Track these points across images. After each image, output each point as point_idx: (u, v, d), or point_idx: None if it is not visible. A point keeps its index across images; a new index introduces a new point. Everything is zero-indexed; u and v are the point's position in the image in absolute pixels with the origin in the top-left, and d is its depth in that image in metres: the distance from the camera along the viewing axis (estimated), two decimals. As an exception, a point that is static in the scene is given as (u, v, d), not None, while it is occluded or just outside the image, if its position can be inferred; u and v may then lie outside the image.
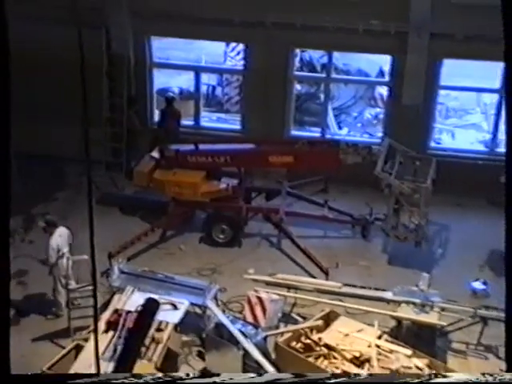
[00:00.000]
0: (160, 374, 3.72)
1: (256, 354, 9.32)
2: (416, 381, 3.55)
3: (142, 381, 3.88)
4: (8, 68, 3.48)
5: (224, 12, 14.49)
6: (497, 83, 14.91)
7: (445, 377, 3.55)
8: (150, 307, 9.75)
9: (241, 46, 16.43)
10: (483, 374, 3.82)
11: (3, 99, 3.48)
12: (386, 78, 15.88)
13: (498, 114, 15.33)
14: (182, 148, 13.41)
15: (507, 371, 3.64)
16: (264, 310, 10.45)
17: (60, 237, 10.91)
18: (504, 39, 2.95)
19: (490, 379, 3.65)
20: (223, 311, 10.48)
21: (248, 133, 15.71)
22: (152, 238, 13.13)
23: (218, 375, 3.65)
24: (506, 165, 3.14)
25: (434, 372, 8.44)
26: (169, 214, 13.40)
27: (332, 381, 3.45)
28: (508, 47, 3.00)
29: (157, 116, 16.12)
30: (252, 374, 5.97)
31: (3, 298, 3.58)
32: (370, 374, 8.02)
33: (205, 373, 9.62)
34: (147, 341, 9.41)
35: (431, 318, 10.07)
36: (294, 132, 16.00)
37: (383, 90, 16.83)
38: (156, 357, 9.31)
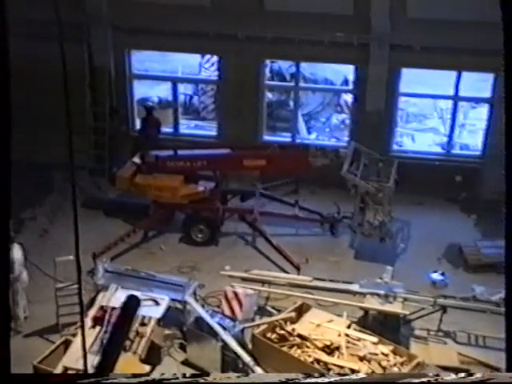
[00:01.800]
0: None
1: (234, 345, 9.34)
2: (417, 381, 3.51)
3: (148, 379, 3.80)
4: (9, 73, 3.45)
5: (199, 26, 14.48)
6: (451, 90, 15.05)
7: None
8: (131, 304, 9.71)
9: (215, 58, 16.43)
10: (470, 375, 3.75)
11: (4, 103, 3.44)
12: (351, 86, 15.96)
13: (453, 119, 15.50)
14: (162, 154, 13.37)
15: (507, 371, 3.62)
16: (240, 303, 10.46)
17: (20, 250, 10.57)
18: (503, 49, 2.96)
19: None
20: (202, 306, 10.47)
21: (223, 138, 15.70)
22: (134, 238, 13.07)
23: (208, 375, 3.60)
24: (506, 164, 3.15)
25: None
26: (150, 215, 13.35)
27: (329, 380, 3.41)
28: (507, 55, 3.00)
29: (138, 124, 16.07)
30: (237, 374, 5.92)
31: (3, 298, 3.54)
32: (369, 373, 7.98)
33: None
34: (132, 335, 9.39)
35: (395, 307, 10.14)
36: (267, 137, 16.01)
37: (348, 97, 16.92)
38: (140, 349, 9.31)
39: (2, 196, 3.53)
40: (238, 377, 3.63)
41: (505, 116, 3.05)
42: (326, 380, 3.42)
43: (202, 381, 3.56)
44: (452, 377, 3.55)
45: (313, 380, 3.37)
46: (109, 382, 3.60)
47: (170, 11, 14.56)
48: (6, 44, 3.35)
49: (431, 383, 3.51)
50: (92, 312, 9.79)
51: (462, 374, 3.65)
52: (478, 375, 3.51)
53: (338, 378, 3.49)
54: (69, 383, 3.72)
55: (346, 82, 16.97)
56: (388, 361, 8.98)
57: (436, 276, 12.08)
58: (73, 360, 8.74)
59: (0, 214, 3.60)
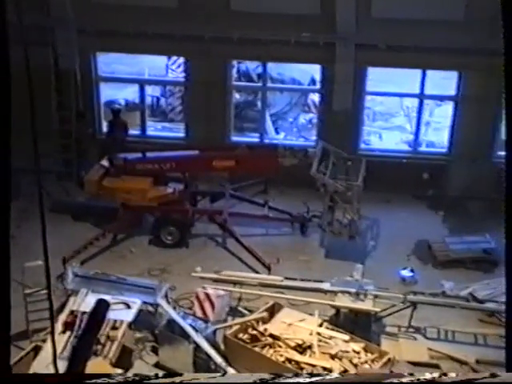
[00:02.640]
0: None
1: (206, 347, 9.31)
2: (405, 380, 3.50)
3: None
4: (9, 73, 3.38)
5: (165, 27, 14.43)
6: (417, 88, 15.21)
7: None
8: (100, 308, 9.65)
9: (182, 59, 16.38)
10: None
11: (3, 104, 3.37)
12: (318, 86, 16.03)
13: (419, 117, 15.67)
14: (130, 156, 13.30)
15: (507, 371, 3.62)
16: (212, 305, 10.43)
17: None
18: (504, 49, 2.96)
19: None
20: (174, 308, 10.41)
21: (192, 140, 15.66)
22: (104, 242, 12.96)
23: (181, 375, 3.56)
24: (505, 165, 3.15)
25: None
26: (119, 218, 13.26)
27: (310, 380, 3.38)
28: (508, 57, 3.00)
29: (105, 127, 15.95)
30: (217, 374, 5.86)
31: (3, 299, 3.48)
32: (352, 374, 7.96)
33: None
34: (103, 339, 9.31)
35: (366, 305, 10.20)
36: (235, 138, 16.01)
37: (315, 97, 17.01)
38: (111, 354, 9.22)
39: (1, 196, 3.48)
40: (211, 377, 3.60)
41: (505, 116, 3.07)
42: (308, 380, 3.41)
43: (178, 381, 3.53)
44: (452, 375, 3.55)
45: (289, 380, 3.37)
46: (115, 382, 3.56)
47: (137, 13, 14.49)
48: (5, 44, 3.30)
49: (434, 382, 3.50)
50: (62, 317, 9.68)
51: (453, 374, 3.65)
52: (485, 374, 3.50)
53: (318, 378, 3.48)
54: (74, 383, 3.67)
55: (313, 81, 17.06)
56: (359, 358, 9.04)
57: (405, 273, 12.19)
58: (43, 366, 8.63)
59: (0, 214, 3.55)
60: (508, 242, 3.14)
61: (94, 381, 3.32)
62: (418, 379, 3.53)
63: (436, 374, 3.67)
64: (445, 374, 3.67)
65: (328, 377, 3.83)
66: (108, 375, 3.62)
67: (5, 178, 3.36)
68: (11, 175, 3.65)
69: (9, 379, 3.63)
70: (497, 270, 12.48)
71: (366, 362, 8.99)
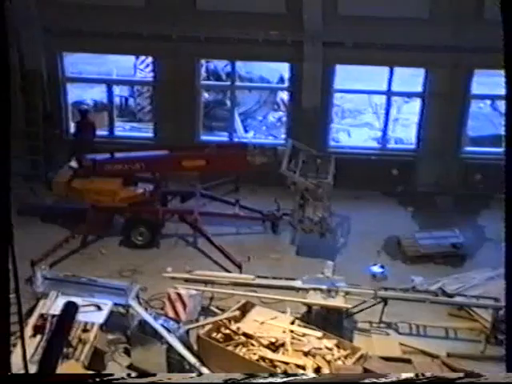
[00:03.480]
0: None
1: (179, 347, 9.28)
2: (382, 381, 3.50)
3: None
4: (9, 75, 3.32)
5: (133, 27, 14.35)
6: (384, 85, 15.34)
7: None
8: (69, 310, 9.57)
9: (150, 59, 16.29)
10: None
11: (3, 105, 3.31)
12: (286, 84, 16.08)
13: (387, 114, 15.80)
14: (99, 157, 13.19)
15: (507, 371, 3.63)
16: (184, 305, 10.40)
17: None
18: (504, 46, 2.98)
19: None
20: (145, 309, 10.36)
21: (161, 140, 15.58)
22: (73, 244, 12.84)
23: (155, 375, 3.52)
24: (506, 164, 3.17)
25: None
26: (88, 220, 13.15)
27: (282, 380, 3.37)
28: (507, 54, 3.01)
29: (73, 128, 15.80)
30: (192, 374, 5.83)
31: (3, 299, 3.42)
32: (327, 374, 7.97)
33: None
34: (74, 341, 9.23)
35: (337, 301, 10.25)
36: (204, 137, 15.98)
37: (284, 95, 17.06)
38: (83, 356, 9.15)
39: (2, 197, 3.41)
40: (187, 377, 3.58)
41: (505, 115, 3.10)
42: (280, 380, 3.40)
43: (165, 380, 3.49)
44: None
45: (262, 380, 3.36)
46: (121, 380, 3.52)
47: (103, 12, 14.38)
48: (5, 45, 3.24)
49: (432, 382, 3.51)
50: (32, 321, 9.58)
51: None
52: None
53: (291, 378, 3.47)
54: (80, 383, 3.61)
55: (281, 79, 17.11)
56: (332, 355, 9.08)
57: (376, 269, 12.29)
58: (13, 370, 8.52)
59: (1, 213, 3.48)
60: (508, 242, 3.15)
61: (107, 378, 3.29)
62: (398, 378, 3.55)
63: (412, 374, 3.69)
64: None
65: (304, 376, 3.83)
66: (109, 375, 3.58)
67: (5, 178, 3.32)
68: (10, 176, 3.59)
69: (9, 379, 3.58)
70: (465, 264, 12.65)
71: (338, 358, 9.04)
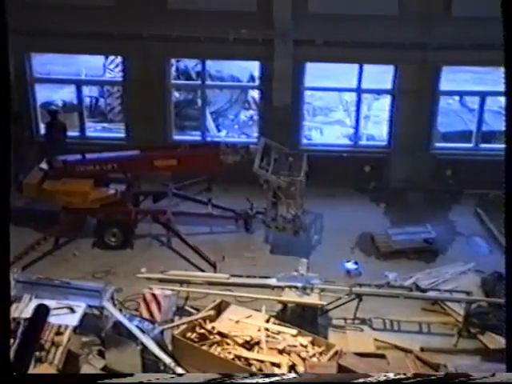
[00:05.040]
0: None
1: (154, 348, 9.25)
2: (361, 381, 3.51)
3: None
4: (8, 78, 3.28)
5: (102, 26, 14.24)
6: (354, 83, 15.43)
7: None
8: (40, 313, 9.49)
9: (119, 59, 16.20)
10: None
11: (3, 108, 3.26)
12: (257, 83, 16.08)
13: (358, 111, 15.90)
14: (70, 158, 13.09)
15: (507, 371, 3.65)
16: (159, 305, 10.37)
17: None
18: (504, 44, 3.01)
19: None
20: (120, 310, 10.31)
21: (132, 140, 15.51)
22: (46, 246, 12.74)
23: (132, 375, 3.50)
24: (506, 164, 3.19)
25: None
26: (60, 222, 13.04)
27: (270, 380, 3.36)
28: (508, 51, 3.04)
29: (43, 129, 15.65)
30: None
31: (3, 299, 3.38)
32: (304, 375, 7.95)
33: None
34: (47, 345, 9.15)
35: (312, 299, 10.29)
36: (176, 137, 15.94)
37: (255, 94, 17.07)
38: (57, 359, 9.07)
39: (2, 200, 3.37)
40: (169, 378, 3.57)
41: (505, 114, 3.13)
42: (267, 380, 3.40)
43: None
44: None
45: (241, 381, 3.37)
46: (129, 382, 3.50)
47: (72, 12, 14.25)
48: (5, 45, 3.21)
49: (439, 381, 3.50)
50: (4, 325, 9.47)
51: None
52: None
53: (278, 378, 3.48)
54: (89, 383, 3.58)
55: (252, 78, 17.12)
56: (307, 352, 9.12)
57: (350, 265, 12.36)
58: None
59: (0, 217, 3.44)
60: (508, 241, 3.19)
61: (106, 381, 3.28)
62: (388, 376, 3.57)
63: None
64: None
65: (285, 377, 3.86)
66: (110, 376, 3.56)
67: (5, 179, 3.29)
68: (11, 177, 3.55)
69: (10, 379, 3.55)
70: (438, 259, 12.79)
71: (313, 355, 9.08)
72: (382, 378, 3.54)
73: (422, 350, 9.88)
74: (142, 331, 9.46)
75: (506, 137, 3.16)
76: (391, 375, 3.68)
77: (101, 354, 9.94)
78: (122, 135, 16.11)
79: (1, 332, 3.56)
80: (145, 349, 9.31)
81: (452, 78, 15.74)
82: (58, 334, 9.44)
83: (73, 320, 9.75)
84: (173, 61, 16.12)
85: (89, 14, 14.28)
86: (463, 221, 14.19)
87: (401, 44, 14.26)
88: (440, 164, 15.50)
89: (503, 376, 3.59)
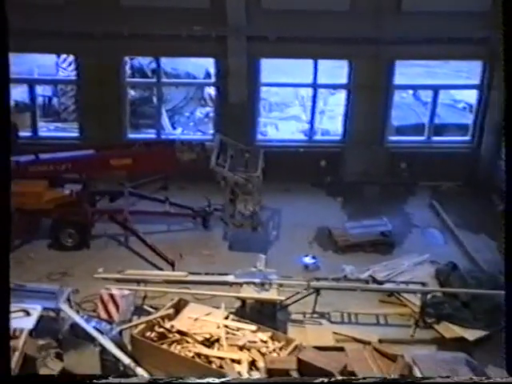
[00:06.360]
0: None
1: (112, 349, 9.14)
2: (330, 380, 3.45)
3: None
4: (8, 78, 3.14)
5: (53, 24, 13.99)
6: (310, 78, 15.48)
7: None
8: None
9: (72, 57, 15.94)
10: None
11: (3, 108, 3.12)
12: (213, 79, 16.01)
13: (313, 106, 15.96)
14: (22, 159, 12.81)
15: (507, 371, 3.61)
16: (117, 305, 10.26)
17: None
18: (503, 41, 2.98)
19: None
20: (77, 312, 10.16)
21: (87, 139, 15.28)
22: (-1, 249, 12.47)
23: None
24: (506, 164, 3.16)
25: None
26: (14, 224, 12.73)
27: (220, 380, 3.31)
28: (507, 49, 3.01)
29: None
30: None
31: (3, 300, 3.24)
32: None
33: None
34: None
35: (271, 294, 10.31)
36: (131, 135, 15.77)
37: (211, 90, 17.00)
38: (13, 364, 8.88)
39: (2, 200, 3.24)
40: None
41: (504, 114, 3.11)
42: (218, 380, 3.35)
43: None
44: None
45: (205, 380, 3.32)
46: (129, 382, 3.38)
47: (22, 10, 13.94)
48: (5, 45, 3.07)
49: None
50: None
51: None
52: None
53: (224, 380, 3.43)
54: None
55: (207, 75, 17.04)
56: (267, 347, 9.12)
57: (308, 260, 12.42)
58: None
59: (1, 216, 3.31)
60: (508, 241, 3.17)
61: (103, 381, 3.17)
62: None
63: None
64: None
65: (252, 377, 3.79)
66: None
67: (5, 180, 3.17)
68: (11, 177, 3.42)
69: (9, 380, 3.41)
70: (394, 251, 12.93)
71: (273, 350, 9.09)
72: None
73: (380, 341, 9.98)
74: (100, 332, 9.35)
75: (506, 137, 3.16)
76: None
77: (58, 356, 9.81)
78: (76, 134, 15.88)
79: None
80: (103, 350, 9.20)
81: (405, 72, 15.90)
82: (14, 337, 9.25)
83: (28, 323, 9.56)
84: (127, 58, 15.94)
85: (40, 11, 14.01)
86: (418, 213, 14.37)
87: (353, 39, 14.36)
88: (394, 157, 15.67)
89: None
